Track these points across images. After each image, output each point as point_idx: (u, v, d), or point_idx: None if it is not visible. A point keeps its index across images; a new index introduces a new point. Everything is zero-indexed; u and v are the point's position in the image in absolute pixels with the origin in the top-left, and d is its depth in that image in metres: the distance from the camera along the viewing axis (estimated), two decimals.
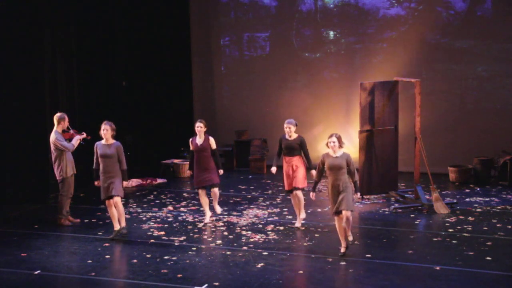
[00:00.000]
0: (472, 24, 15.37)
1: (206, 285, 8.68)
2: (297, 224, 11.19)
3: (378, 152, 12.91)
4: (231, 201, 13.21)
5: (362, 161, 12.87)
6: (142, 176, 15.06)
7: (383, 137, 12.92)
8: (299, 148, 10.95)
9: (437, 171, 14.35)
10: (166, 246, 10.31)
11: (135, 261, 9.64)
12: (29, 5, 12.89)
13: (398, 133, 13.09)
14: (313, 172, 10.83)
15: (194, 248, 10.21)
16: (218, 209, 11.64)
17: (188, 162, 12.50)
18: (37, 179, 12.98)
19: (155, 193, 13.97)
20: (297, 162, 10.97)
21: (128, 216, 12.08)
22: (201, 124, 11.36)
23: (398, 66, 15.37)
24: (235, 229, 11.16)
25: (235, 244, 10.34)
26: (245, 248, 10.15)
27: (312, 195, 10.01)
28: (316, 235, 10.81)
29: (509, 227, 11.19)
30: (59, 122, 11.40)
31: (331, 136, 9.67)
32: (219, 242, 10.49)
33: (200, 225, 11.42)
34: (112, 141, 10.61)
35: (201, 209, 11.93)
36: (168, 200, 13.35)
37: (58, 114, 11.50)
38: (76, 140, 11.43)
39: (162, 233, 11.01)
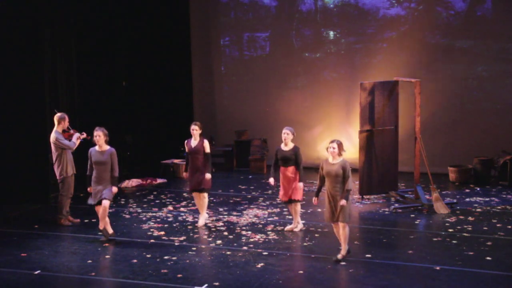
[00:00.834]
0: (472, 24, 15.37)
1: (206, 285, 8.68)
2: (290, 227, 11.12)
3: (378, 152, 12.91)
4: (231, 201, 13.22)
5: (362, 161, 12.87)
6: (142, 176, 15.06)
7: (383, 137, 12.92)
8: (294, 158, 10.85)
9: (437, 171, 14.36)
10: (166, 246, 10.31)
11: (135, 261, 9.64)
12: (29, 5, 12.89)
13: (398, 133, 13.09)
14: (300, 185, 10.80)
15: (194, 248, 10.21)
16: (201, 221, 11.39)
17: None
18: (37, 179, 12.97)
19: (155, 193, 13.97)
20: (293, 173, 10.89)
21: (128, 216, 12.09)
22: (196, 127, 11.30)
23: (398, 66, 15.37)
24: (235, 229, 11.17)
25: (235, 244, 10.34)
26: (245, 248, 10.16)
27: (314, 200, 9.90)
28: (316, 235, 10.81)
29: (509, 227, 11.19)
30: (60, 122, 11.40)
31: (332, 141, 9.52)
32: (219, 242, 10.49)
33: (199, 223, 11.40)
34: (106, 147, 10.49)
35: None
36: (168, 200, 13.36)
37: (58, 114, 11.51)
38: (77, 138, 11.44)
39: (162, 233, 11.01)
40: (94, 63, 15.27)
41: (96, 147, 10.52)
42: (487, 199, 13.10)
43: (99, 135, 10.41)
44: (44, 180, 13.01)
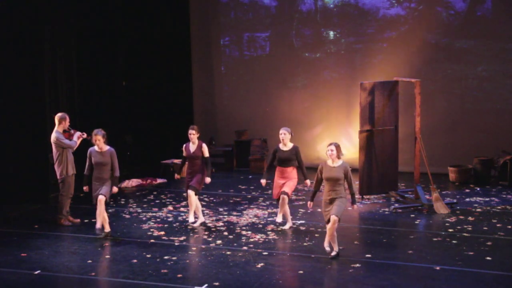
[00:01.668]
0: (472, 24, 15.37)
1: (206, 285, 8.68)
2: (280, 222, 11.16)
3: (378, 152, 12.91)
4: (231, 201, 13.21)
5: (362, 161, 12.87)
6: (142, 176, 15.06)
7: (383, 137, 12.92)
8: (295, 158, 10.87)
9: (437, 171, 14.36)
10: (166, 246, 10.31)
11: (135, 261, 9.64)
12: (29, 5, 12.89)
13: (398, 133, 13.09)
14: (308, 182, 10.97)
15: (194, 248, 10.21)
16: (191, 218, 11.30)
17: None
18: (37, 179, 12.97)
19: (155, 193, 13.97)
20: (290, 173, 10.91)
21: (128, 216, 12.09)
22: (193, 131, 11.27)
23: (398, 66, 15.37)
24: (235, 229, 11.16)
25: (235, 244, 10.34)
26: (245, 248, 10.16)
27: (309, 204, 9.92)
28: (316, 235, 10.81)
29: (509, 227, 11.20)
30: (60, 122, 11.40)
31: (330, 144, 9.53)
32: (219, 242, 10.49)
33: (195, 225, 11.34)
34: (105, 147, 10.57)
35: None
36: (168, 200, 13.36)
37: (59, 114, 11.50)
38: (77, 137, 11.44)
39: (162, 233, 11.01)
40: (94, 63, 15.27)
41: (96, 148, 10.57)
42: (487, 199, 13.10)
43: (99, 139, 10.51)
44: (44, 180, 13.01)
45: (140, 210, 12.52)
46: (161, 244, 10.43)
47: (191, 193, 11.22)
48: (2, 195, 12.79)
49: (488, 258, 9.59)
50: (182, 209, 12.62)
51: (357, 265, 9.33)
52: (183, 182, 14.59)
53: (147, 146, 16.84)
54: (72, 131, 11.52)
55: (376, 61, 15.97)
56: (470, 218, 11.71)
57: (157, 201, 13.29)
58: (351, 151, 14.80)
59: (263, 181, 11.14)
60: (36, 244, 10.46)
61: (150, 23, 16.80)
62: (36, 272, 9.24)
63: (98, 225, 10.64)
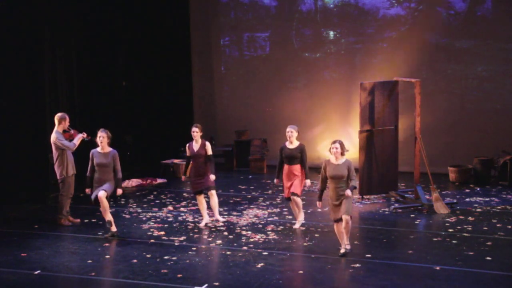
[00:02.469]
0: (472, 24, 15.37)
1: (206, 285, 8.68)
2: (296, 225, 11.16)
3: (378, 152, 12.91)
4: (231, 201, 13.21)
5: (362, 161, 12.87)
6: (142, 176, 15.06)
7: (383, 137, 12.92)
8: (300, 156, 10.90)
9: (437, 171, 14.36)
10: (166, 246, 10.30)
11: (135, 261, 9.63)
12: (29, 5, 12.89)
13: (398, 133, 13.09)
14: (307, 182, 11.00)
15: (194, 248, 10.21)
16: (220, 218, 11.53)
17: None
18: (37, 179, 12.98)
19: (155, 193, 13.97)
20: (297, 170, 10.93)
21: (128, 216, 12.09)
22: (197, 129, 11.20)
23: (398, 66, 15.38)
24: (235, 229, 11.16)
25: (235, 244, 10.34)
26: (245, 248, 10.15)
27: (318, 204, 9.89)
28: (316, 235, 10.81)
29: (509, 227, 11.19)
30: (60, 122, 11.39)
31: (334, 142, 9.54)
32: (219, 242, 10.49)
33: (201, 225, 11.39)
34: (108, 149, 10.58)
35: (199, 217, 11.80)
36: (168, 200, 13.36)
37: (59, 114, 11.50)
38: (78, 139, 11.43)
39: (162, 233, 11.01)
40: (94, 63, 15.27)
41: (98, 149, 10.57)
42: (487, 199, 13.10)
43: (103, 136, 10.49)
44: (44, 180, 13.02)
45: (140, 210, 12.52)
46: (161, 244, 10.43)
47: (214, 192, 11.28)
48: (2, 195, 12.79)
49: (488, 258, 9.59)
50: (182, 209, 12.62)
51: (357, 265, 9.32)
52: (182, 182, 14.62)
53: (147, 146, 16.84)
54: (72, 131, 11.51)
55: (376, 61, 15.97)
56: (470, 218, 11.71)
57: (157, 201, 13.29)
58: (351, 151, 14.76)
59: (276, 181, 11.24)
60: (36, 244, 10.45)
61: (150, 23, 16.80)
62: (36, 272, 9.24)
63: (108, 217, 10.63)
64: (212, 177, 11.17)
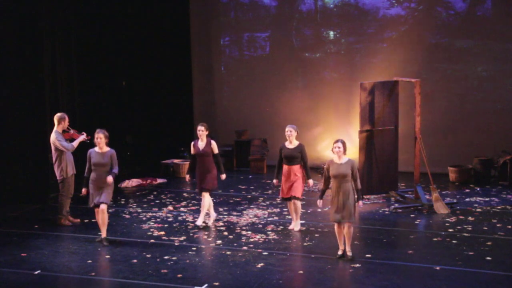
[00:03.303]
0: (472, 24, 15.37)
1: (206, 285, 8.68)
2: (292, 226, 11.09)
3: (378, 152, 12.91)
4: (231, 201, 13.21)
5: (362, 161, 12.87)
6: (142, 176, 15.06)
7: (383, 137, 12.92)
8: (300, 156, 10.81)
9: (437, 171, 14.36)
10: (166, 246, 10.31)
11: (135, 261, 9.64)
12: (29, 5, 12.89)
13: (398, 133, 13.09)
14: (310, 181, 10.91)
15: (194, 248, 10.21)
16: (213, 215, 11.43)
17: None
18: (37, 179, 12.98)
19: (155, 193, 13.97)
20: (297, 171, 10.84)
21: (128, 216, 12.09)
22: (203, 128, 11.11)
23: (398, 66, 15.38)
24: (235, 229, 11.16)
25: (235, 244, 10.34)
26: (245, 248, 10.15)
27: (319, 202, 9.86)
28: (316, 235, 10.81)
29: (509, 227, 11.20)
30: (59, 122, 11.39)
31: (336, 141, 9.52)
32: (219, 242, 10.49)
33: (209, 223, 11.32)
34: (106, 149, 10.44)
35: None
36: (168, 200, 13.36)
37: (58, 114, 11.49)
38: (77, 142, 11.40)
39: (162, 233, 11.01)
40: (94, 63, 15.27)
41: (96, 149, 10.47)
42: (487, 199, 13.10)
43: (100, 137, 10.36)
44: (44, 180, 13.01)
45: (140, 210, 12.52)
46: (161, 244, 10.43)
47: (205, 194, 11.21)
48: (2, 195, 12.79)
49: (488, 258, 9.59)
50: (182, 209, 12.62)
51: (357, 265, 9.33)
52: (183, 182, 14.64)
53: (147, 146, 16.84)
54: (71, 131, 11.51)
55: (376, 61, 15.97)
56: (470, 218, 11.71)
57: (157, 201, 13.29)
58: (351, 151, 14.76)
59: (275, 181, 11.13)
60: (36, 244, 10.45)
61: (150, 23, 16.80)
62: (36, 272, 9.24)
63: (104, 234, 10.48)
64: (223, 176, 11.22)
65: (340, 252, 9.64)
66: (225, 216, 11.97)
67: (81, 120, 14.20)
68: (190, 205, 12.84)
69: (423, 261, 9.52)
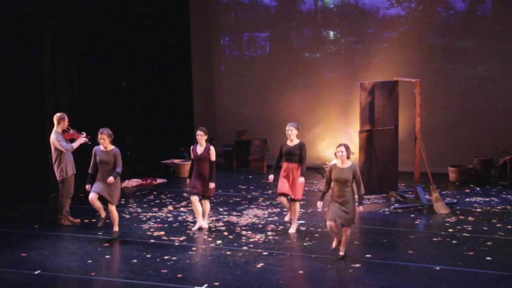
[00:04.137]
0: (472, 24, 15.38)
1: (206, 285, 8.68)
2: (292, 230, 10.97)
3: (378, 152, 12.91)
4: (231, 201, 13.21)
5: (362, 161, 12.87)
6: (142, 176, 15.06)
7: (383, 137, 12.92)
8: (299, 154, 10.71)
9: (437, 171, 14.36)
10: (166, 246, 10.31)
11: (135, 261, 9.64)
12: (29, 5, 12.89)
13: (398, 133, 13.09)
14: (301, 179, 10.67)
15: (194, 248, 10.21)
16: (205, 223, 11.23)
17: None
18: (37, 179, 12.97)
19: (155, 193, 13.97)
20: (296, 169, 10.75)
21: (128, 216, 12.09)
22: (202, 132, 10.95)
23: (398, 66, 15.38)
24: (235, 229, 11.16)
25: (235, 244, 10.34)
26: (245, 248, 10.15)
27: (319, 204, 9.78)
28: (316, 235, 10.81)
29: (509, 227, 11.20)
30: (59, 122, 11.39)
31: (339, 145, 9.48)
32: (219, 242, 10.49)
33: (193, 229, 11.15)
34: (111, 147, 10.49)
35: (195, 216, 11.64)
36: (168, 200, 13.36)
37: (58, 114, 11.49)
38: (78, 143, 11.38)
39: (162, 233, 11.01)
40: (94, 63, 15.27)
41: (101, 147, 10.53)
42: (487, 199, 13.10)
43: (104, 138, 10.42)
44: (44, 180, 13.00)
45: (140, 210, 12.52)
46: (161, 244, 10.43)
47: (205, 201, 11.11)
48: (2, 195, 12.79)
49: (488, 258, 9.59)
50: (182, 209, 12.62)
51: (357, 265, 9.33)
52: (183, 182, 14.65)
53: (147, 146, 16.84)
54: (71, 131, 11.50)
55: (376, 61, 15.97)
56: (470, 218, 11.71)
57: (157, 201, 13.29)
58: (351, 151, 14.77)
59: (271, 177, 10.99)
60: (36, 244, 10.45)
61: (150, 23, 16.80)
62: (36, 272, 9.24)
63: (103, 214, 10.67)
64: (212, 185, 10.91)
65: (334, 245, 9.60)
66: (225, 216, 11.97)
67: (81, 120, 14.19)
68: (190, 205, 12.82)
69: (423, 261, 9.52)
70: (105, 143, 10.44)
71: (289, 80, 16.86)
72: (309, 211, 12.17)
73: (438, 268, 9.19)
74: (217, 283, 8.71)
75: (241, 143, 16.58)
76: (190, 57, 17.49)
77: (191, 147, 11.13)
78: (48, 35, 13.71)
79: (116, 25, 16.07)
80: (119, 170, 10.50)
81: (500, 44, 15.25)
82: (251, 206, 12.72)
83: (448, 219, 11.67)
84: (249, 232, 10.96)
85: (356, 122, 13.36)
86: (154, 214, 12.25)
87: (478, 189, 13.95)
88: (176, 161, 15.93)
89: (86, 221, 11.75)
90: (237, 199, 13.34)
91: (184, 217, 12.00)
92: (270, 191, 13.94)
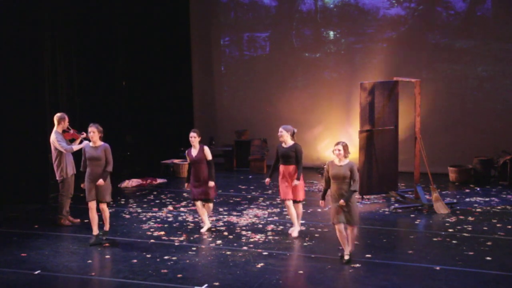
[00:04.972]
0: (472, 24, 15.38)
1: (206, 285, 8.68)
2: (295, 233, 10.77)
3: (378, 152, 12.91)
4: (231, 201, 13.22)
5: (362, 161, 12.87)
6: (142, 176, 15.06)
7: (383, 137, 12.92)
8: (295, 156, 10.59)
9: (437, 171, 14.35)
10: (166, 246, 10.31)
11: (135, 261, 9.64)
12: (29, 5, 12.89)
13: (398, 133, 13.09)
14: (296, 182, 10.53)
15: (194, 248, 10.21)
16: (208, 224, 11.15)
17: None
18: (37, 179, 12.97)
19: (155, 193, 13.98)
20: (294, 172, 10.63)
21: (128, 216, 12.10)
22: (195, 134, 10.84)
23: (398, 66, 15.38)
24: (235, 229, 11.16)
25: (235, 244, 10.34)
26: (245, 248, 10.15)
27: (321, 203, 9.74)
28: (316, 235, 10.81)
29: (509, 227, 11.20)
30: (59, 122, 11.39)
31: (337, 144, 9.47)
32: (219, 242, 10.49)
33: (202, 230, 11.15)
34: (99, 143, 10.34)
35: (199, 218, 11.61)
36: (168, 200, 13.36)
37: (58, 114, 11.49)
38: (78, 147, 11.35)
39: (162, 233, 11.01)
40: (94, 63, 15.27)
41: (91, 143, 10.44)
42: (487, 199, 13.10)
43: (93, 131, 10.29)
44: (44, 180, 13.01)
45: (140, 210, 12.52)
46: (161, 244, 10.43)
47: (209, 204, 11.07)
48: (2, 195, 12.79)
49: (488, 258, 9.59)
50: (182, 209, 12.62)
51: (357, 265, 9.32)
52: (183, 182, 14.62)
53: (147, 146, 16.83)
54: (71, 131, 11.50)
55: (376, 61, 15.97)
56: (470, 218, 11.71)
57: (157, 201, 13.30)
58: (352, 151, 14.72)
59: (267, 180, 10.92)
60: (36, 244, 10.45)
61: (150, 23, 16.80)
62: (36, 272, 9.24)
63: (95, 231, 10.49)
64: (211, 183, 10.85)
65: (346, 257, 9.46)
66: (225, 216, 11.97)
67: (81, 120, 14.18)
68: (190, 205, 12.83)
69: (423, 261, 9.52)
70: (94, 137, 10.29)
71: (289, 80, 16.86)
72: (309, 211, 12.17)
73: (438, 268, 9.19)
74: (217, 283, 8.71)
75: (241, 143, 16.58)
76: (190, 57, 17.50)
77: (186, 152, 11.00)
78: (48, 35, 13.71)
79: (116, 25, 16.07)
80: (110, 170, 10.37)
81: (500, 44, 15.25)
82: (251, 206, 12.73)
83: (448, 219, 11.67)
84: (249, 232, 10.96)
85: (356, 122, 13.35)
86: (154, 214, 12.25)
87: (478, 189, 13.95)
88: (176, 161, 15.93)
89: (86, 221, 11.72)
90: (237, 199, 13.34)
91: (184, 217, 12.00)
92: (270, 191, 13.94)
